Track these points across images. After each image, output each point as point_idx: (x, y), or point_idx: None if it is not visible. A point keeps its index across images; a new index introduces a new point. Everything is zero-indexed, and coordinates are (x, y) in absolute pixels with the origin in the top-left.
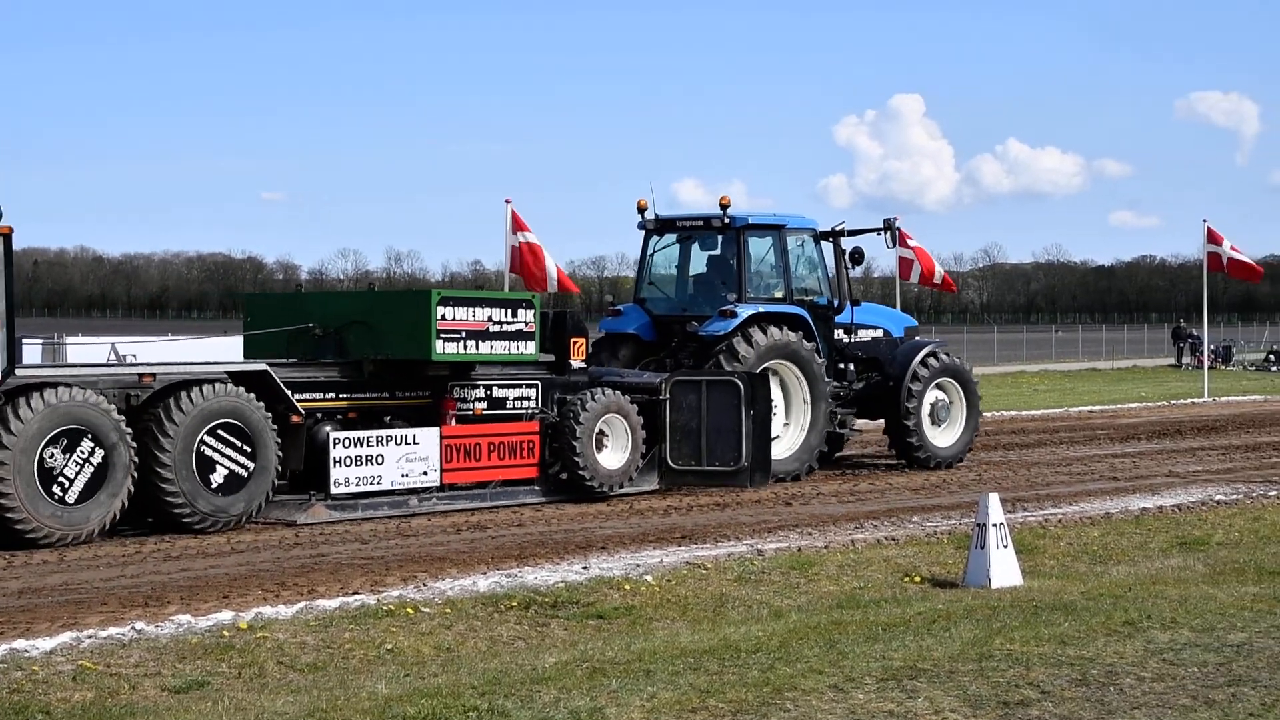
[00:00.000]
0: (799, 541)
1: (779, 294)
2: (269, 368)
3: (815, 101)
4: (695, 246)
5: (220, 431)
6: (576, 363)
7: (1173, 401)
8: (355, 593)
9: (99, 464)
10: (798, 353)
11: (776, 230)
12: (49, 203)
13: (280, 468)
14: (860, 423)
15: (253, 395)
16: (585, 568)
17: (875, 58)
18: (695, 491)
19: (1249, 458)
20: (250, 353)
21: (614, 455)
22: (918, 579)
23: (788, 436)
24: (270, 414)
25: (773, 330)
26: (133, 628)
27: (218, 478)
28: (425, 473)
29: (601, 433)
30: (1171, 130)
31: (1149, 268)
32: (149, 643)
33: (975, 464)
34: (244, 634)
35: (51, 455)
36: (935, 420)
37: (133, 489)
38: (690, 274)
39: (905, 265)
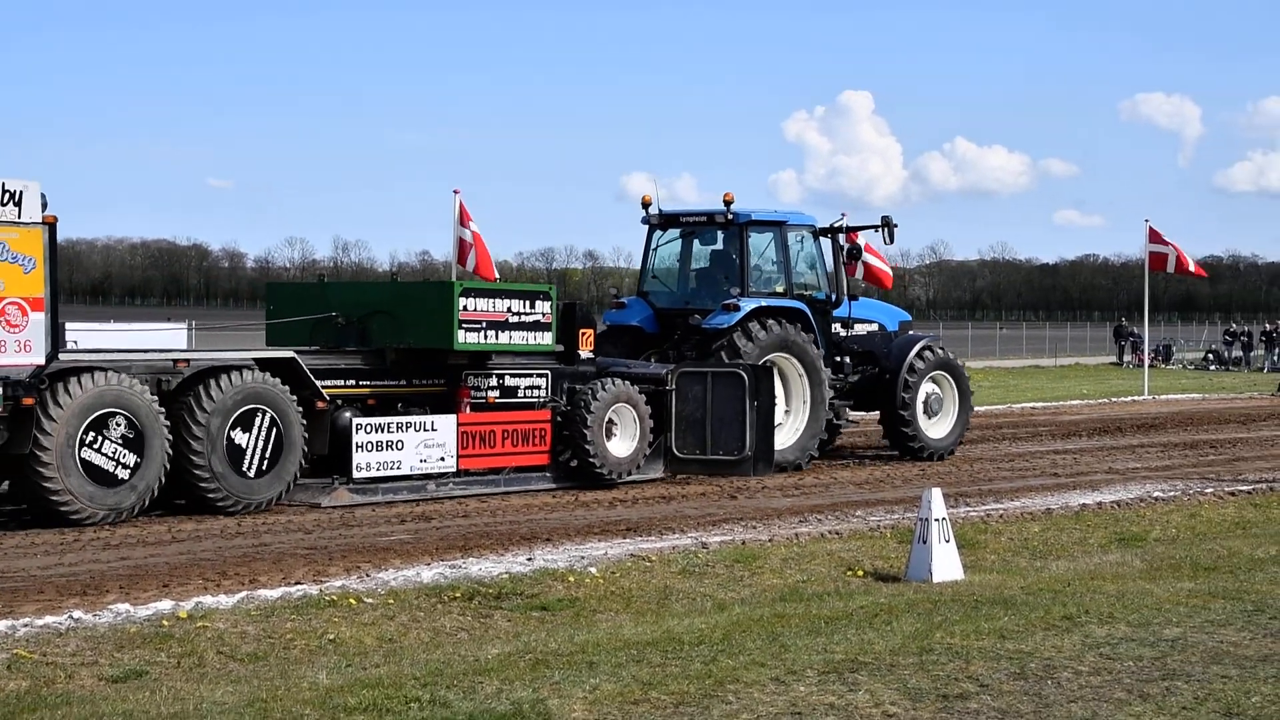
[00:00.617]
0: (743, 535)
1: (780, 289)
2: (296, 355)
3: (765, 97)
4: (697, 241)
5: (249, 416)
6: (584, 353)
7: (1114, 399)
8: (297, 582)
9: (136, 446)
10: (798, 346)
11: (778, 226)
12: None
13: (306, 452)
14: (852, 415)
15: (279, 381)
16: (530, 559)
17: (825, 54)
18: (640, 484)
19: (1187, 455)
20: (272, 340)
21: (623, 443)
22: (860, 573)
23: (788, 427)
24: (297, 400)
25: (774, 324)
26: (70, 616)
27: (247, 461)
28: (442, 458)
29: (611, 421)
30: (1116, 131)
31: (1092, 266)
32: (86, 632)
33: (919, 459)
34: (184, 623)
35: (91, 437)
36: (929, 412)
37: (167, 470)
38: (692, 268)
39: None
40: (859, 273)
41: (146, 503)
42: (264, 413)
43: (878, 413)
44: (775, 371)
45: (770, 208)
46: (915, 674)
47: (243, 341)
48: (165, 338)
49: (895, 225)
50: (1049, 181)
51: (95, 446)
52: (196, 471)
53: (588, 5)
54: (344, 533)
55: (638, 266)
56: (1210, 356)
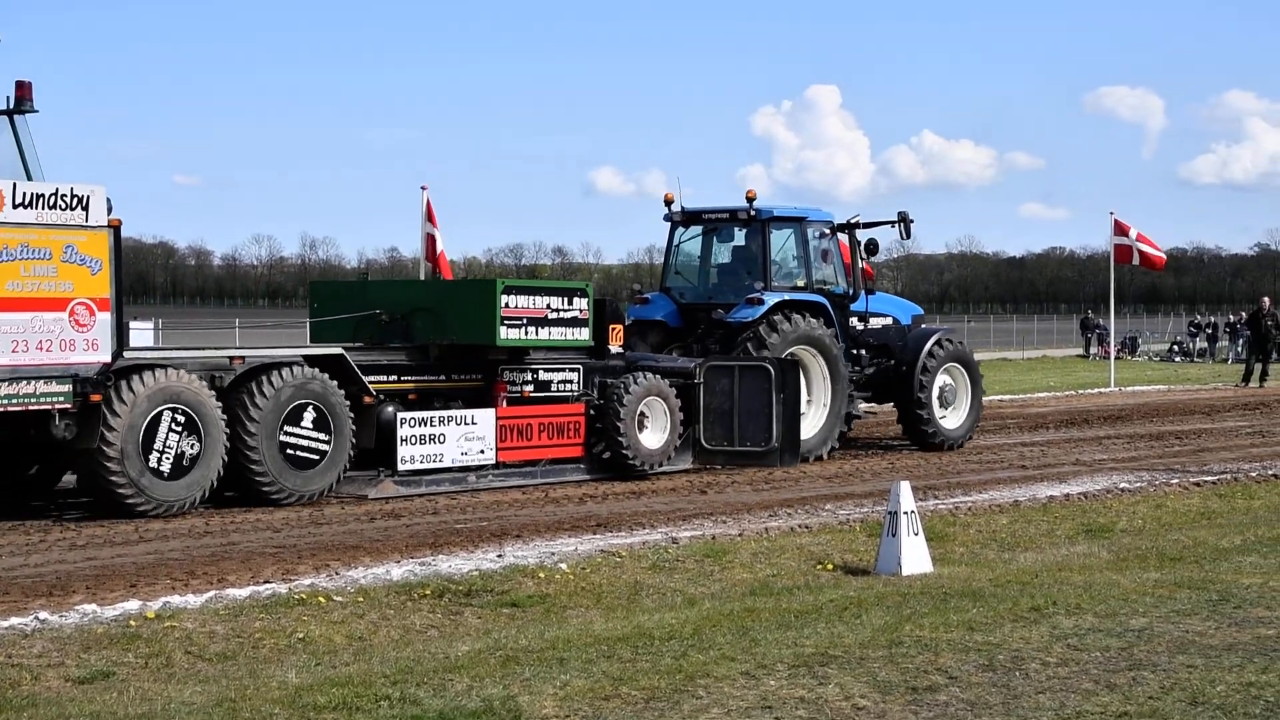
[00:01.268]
0: (713, 529)
1: (800, 283)
2: (344, 352)
3: (732, 91)
4: (717, 238)
5: (301, 411)
6: (614, 348)
7: (1080, 391)
8: (266, 581)
9: (195, 440)
10: (820, 339)
11: (798, 223)
12: None
13: (354, 445)
14: (862, 406)
15: (328, 377)
16: (500, 556)
17: (792, 49)
18: (611, 479)
19: (1153, 446)
20: (316, 338)
21: (654, 435)
22: (830, 566)
23: (810, 418)
24: (345, 395)
25: (796, 317)
26: (36, 617)
27: (299, 454)
28: (482, 451)
29: (643, 414)
30: (1080, 124)
31: (1058, 259)
32: (53, 633)
33: (888, 452)
34: (151, 623)
35: (154, 432)
36: (943, 403)
37: (225, 464)
38: (714, 264)
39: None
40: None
41: (206, 494)
42: (314, 407)
43: (891, 404)
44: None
45: (791, 204)
46: (885, 666)
47: (215, 340)
48: (132, 338)
49: (912, 221)
50: (1015, 175)
51: (158, 441)
52: (252, 465)
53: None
54: (313, 531)
55: (606, 262)
56: (1175, 348)
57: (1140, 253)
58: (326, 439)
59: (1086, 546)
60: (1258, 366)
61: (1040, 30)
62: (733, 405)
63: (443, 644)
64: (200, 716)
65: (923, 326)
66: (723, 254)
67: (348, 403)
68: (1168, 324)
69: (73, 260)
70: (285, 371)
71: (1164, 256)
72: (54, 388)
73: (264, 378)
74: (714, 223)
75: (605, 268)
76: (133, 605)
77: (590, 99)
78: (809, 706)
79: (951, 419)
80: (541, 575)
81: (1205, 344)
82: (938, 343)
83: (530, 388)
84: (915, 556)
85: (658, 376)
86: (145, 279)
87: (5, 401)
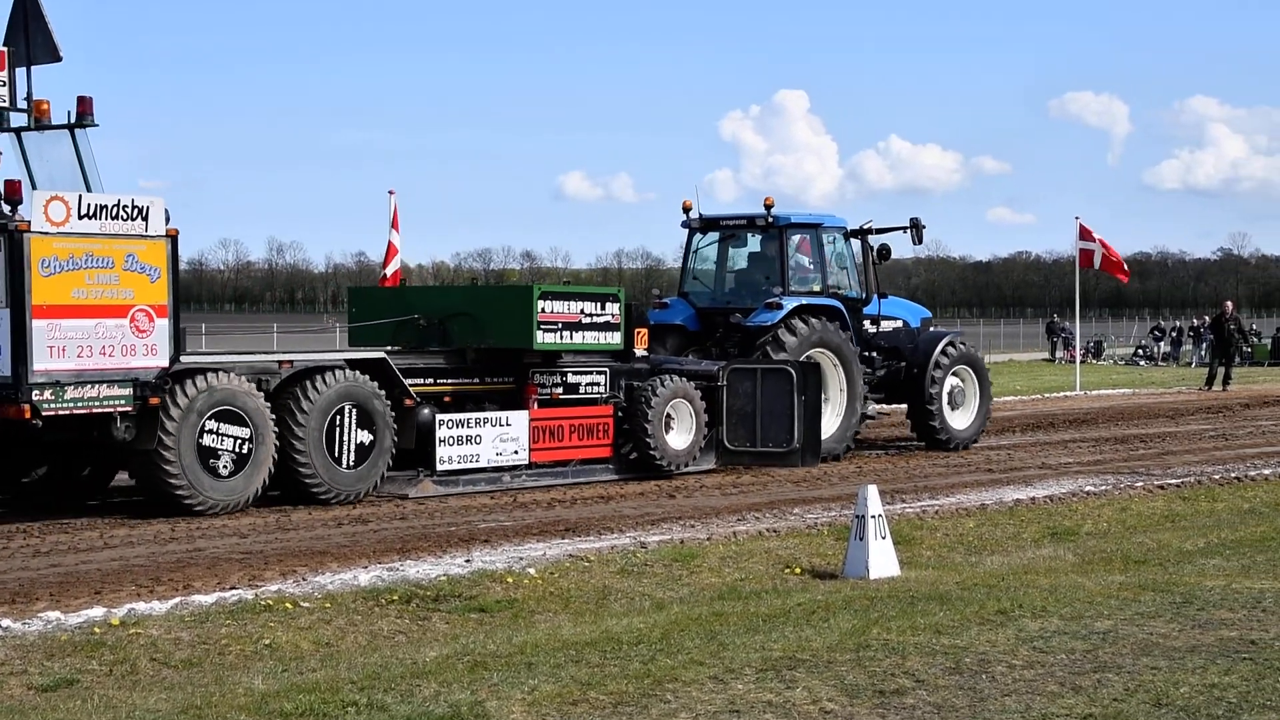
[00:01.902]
0: (681, 534)
1: (816, 288)
2: (386, 356)
3: (701, 96)
4: (734, 244)
5: (345, 413)
6: (639, 351)
7: (1046, 395)
8: (232, 587)
9: (247, 441)
10: (836, 342)
11: (814, 229)
12: None
13: (394, 446)
14: (875, 407)
15: (369, 379)
16: (468, 561)
17: (760, 53)
18: (578, 485)
19: (1118, 450)
20: (355, 342)
21: (680, 437)
22: (798, 570)
23: (827, 418)
24: (386, 397)
25: (813, 321)
26: None
27: (343, 455)
28: (516, 452)
29: (669, 416)
30: (1046, 129)
31: (1025, 263)
32: (15, 640)
33: (856, 456)
34: (116, 630)
35: (209, 432)
36: (953, 405)
37: (275, 464)
38: (732, 269)
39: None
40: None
41: (257, 493)
42: (358, 409)
43: (895, 405)
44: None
45: (807, 211)
46: (852, 670)
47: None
48: None
49: (924, 226)
50: (981, 179)
51: (212, 441)
52: (299, 465)
53: (522, 4)
54: (280, 537)
55: (574, 266)
56: (1140, 352)
57: (1104, 258)
58: (370, 440)
59: (1052, 549)
60: (1221, 370)
61: (1007, 36)
62: (755, 407)
63: (410, 649)
64: None
65: (932, 329)
66: (740, 260)
67: (389, 405)
68: (1132, 328)
69: (133, 269)
70: (330, 375)
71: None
72: (116, 391)
73: (310, 381)
74: (732, 229)
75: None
76: (97, 612)
77: (558, 103)
78: (776, 710)
79: (961, 419)
80: (509, 580)
81: (1169, 348)
82: (948, 345)
83: (560, 390)
84: (883, 560)
85: (683, 379)
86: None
87: (71, 404)
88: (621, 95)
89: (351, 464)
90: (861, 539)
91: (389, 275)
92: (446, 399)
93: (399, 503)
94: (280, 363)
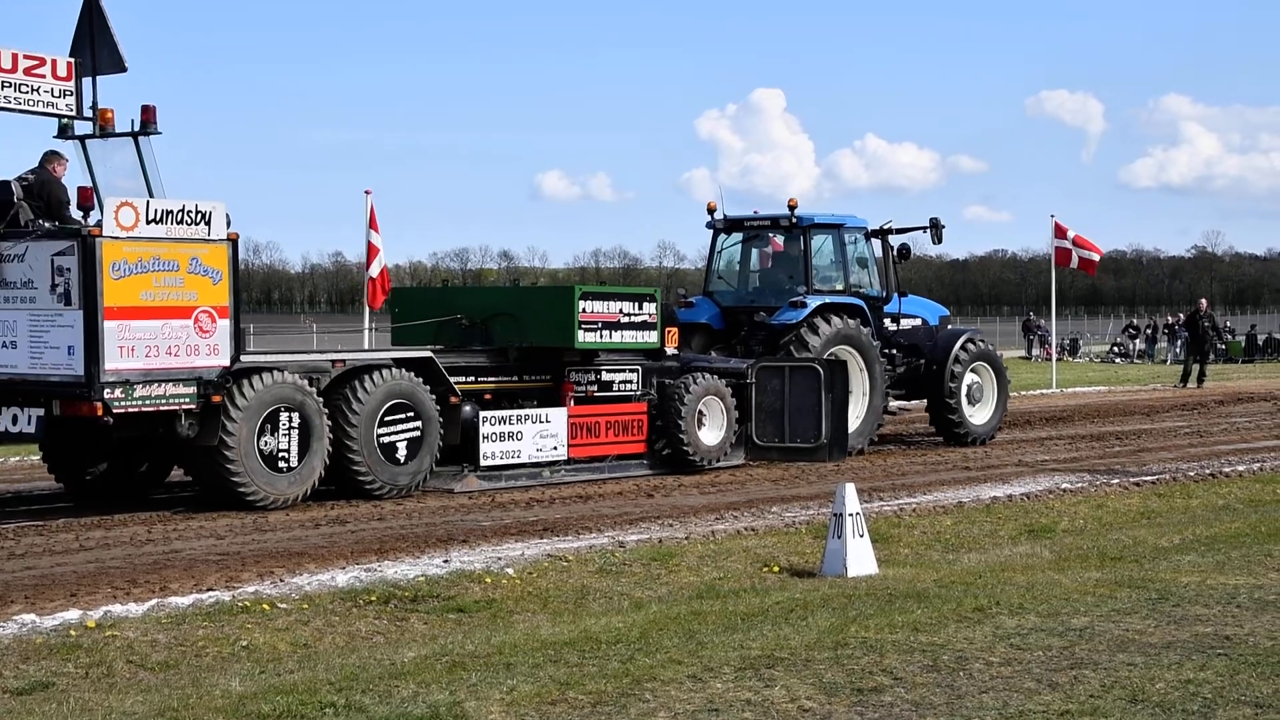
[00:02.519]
0: (660, 533)
1: (839, 287)
2: (433, 355)
3: (677, 95)
4: (758, 244)
5: (395, 410)
6: (669, 349)
7: (1023, 392)
8: (209, 589)
9: (303, 437)
10: (858, 339)
11: (837, 229)
12: None
13: (441, 442)
14: (895, 403)
15: (418, 378)
16: (446, 561)
17: (736, 52)
18: (559, 486)
19: (1093, 447)
20: (398, 341)
21: (712, 433)
22: (776, 569)
23: (851, 414)
24: (433, 395)
25: (835, 319)
26: None
27: (393, 450)
28: (555, 447)
29: (701, 413)
30: (1022, 127)
31: (1001, 261)
32: None
33: (872, 452)
34: (92, 633)
35: (267, 429)
36: (971, 400)
37: (329, 459)
38: (755, 269)
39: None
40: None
41: (313, 487)
42: (406, 407)
43: (912, 401)
44: (849, 364)
45: (830, 211)
46: (830, 668)
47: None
48: None
49: (943, 226)
50: (958, 178)
51: (270, 437)
52: (352, 460)
53: (498, 4)
54: (257, 538)
55: (552, 266)
56: (1115, 349)
57: (1079, 257)
58: (418, 436)
59: (1029, 547)
60: (1195, 367)
61: (982, 34)
62: (783, 404)
63: (388, 650)
64: None
65: (950, 327)
66: (772, 256)
67: (436, 402)
68: (1108, 325)
69: (197, 271)
70: (380, 373)
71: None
72: (181, 389)
73: (361, 379)
74: (755, 230)
75: (551, 271)
76: (73, 615)
77: (536, 103)
78: (755, 709)
79: (979, 415)
80: (488, 580)
81: (1144, 345)
82: (966, 342)
83: (594, 387)
84: (860, 558)
85: (714, 377)
86: None
87: (140, 402)
88: (599, 95)
89: (401, 459)
90: (839, 537)
91: (375, 275)
92: (487, 396)
93: (376, 504)
94: (333, 362)
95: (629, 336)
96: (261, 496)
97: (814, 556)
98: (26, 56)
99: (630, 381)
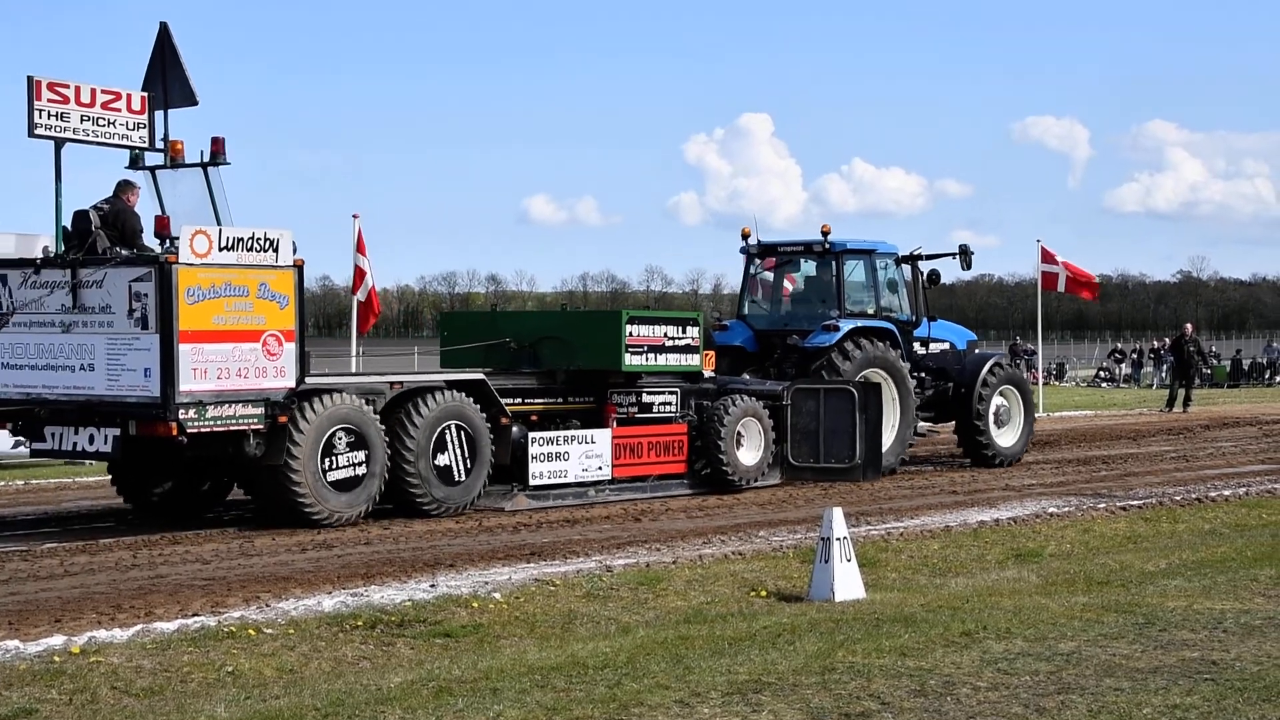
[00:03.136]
0: (647, 557)
1: (870, 310)
2: (485, 377)
3: (665, 118)
4: (790, 269)
5: (450, 431)
6: (707, 372)
7: None
8: (195, 614)
9: (363, 457)
10: (890, 362)
11: (868, 255)
12: None
13: (493, 461)
14: (924, 425)
15: (471, 400)
16: (433, 585)
17: (724, 77)
18: (545, 510)
19: (1080, 471)
20: (445, 365)
21: (750, 453)
22: (764, 593)
23: (884, 436)
24: (485, 416)
25: (867, 343)
26: None
27: (448, 470)
28: (600, 468)
29: (739, 434)
30: (1008, 153)
31: (988, 286)
32: None
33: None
34: (76, 659)
35: (329, 449)
36: (999, 423)
37: (387, 478)
38: (789, 293)
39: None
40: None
41: (371, 505)
42: (460, 427)
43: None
44: (883, 387)
45: (861, 237)
46: (818, 693)
47: None
48: None
49: (972, 253)
50: (945, 202)
51: (333, 457)
52: (408, 479)
53: (484, 25)
54: (243, 562)
55: (540, 289)
56: (1102, 374)
57: (1068, 279)
58: (470, 456)
59: (1016, 571)
60: (1181, 392)
61: (968, 60)
62: (818, 425)
63: (375, 675)
64: None
65: (977, 351)
66: (796, 284)
67: (489, 423)
68: (1094, 350)
69: (265, 296)
70: (435, 395)
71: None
72: (250, 410)
73: (417, 400)
74: (788, 255)
75: (539, 295)
76: (57, 640)
77: (523, 127)
78: None
79: (1007, 437)
80: (475, 605)
81: (1130, 370)
82: (994, 366)
83: (635, 409)
84: (848, 582)
85: (752, 398)
86: None
87: (212, 422)
88: (586, 119)
89: (455, 479)
90: (826, 561)
91: (363, 300)
92: (534, 417)
93: (364, 527)
94: (391, 384)
95: (673, 359)
96: (322, 513)
97: (801, 581)
98: (104, 91)
99: (669, 403)
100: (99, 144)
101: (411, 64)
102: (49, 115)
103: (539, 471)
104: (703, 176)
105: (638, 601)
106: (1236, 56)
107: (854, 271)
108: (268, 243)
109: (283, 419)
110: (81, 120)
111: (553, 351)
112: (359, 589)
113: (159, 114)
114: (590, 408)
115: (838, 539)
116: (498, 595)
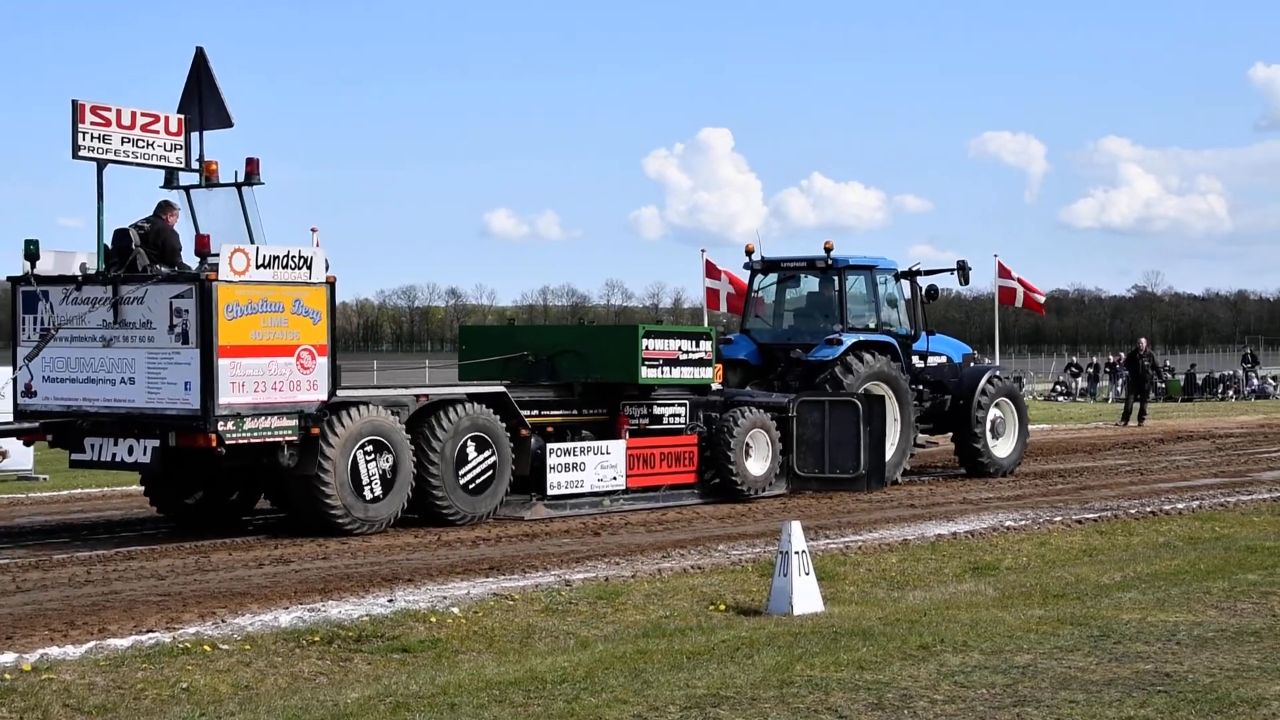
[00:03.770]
0: (606, 571)
1: (870, 325)
2: (506, 390)
3: (626, 133)
4: (793, 284)
5: (472, 442)
6: (715, 384)
7: None
8: (149, 630)
9: (391, 467)
10: (891, 376)
11: (869, 270)
12: None
13: (513, 472)
14: (923, 437)
15: (492, 412)
16: (390, 600)
17: (683, 92)
18: (504, 522)
19: (1037, 485)
20: (464, 378)
21: (758, 464)
22: (723, 607)
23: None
24: (505, 428)
25: (868, 356)
26: None
27: (470, 480)
28: (615, 478)
29: (748, 445)
30: (965, 168)
31: (945, 300)
32: None
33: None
34: (27, 676)
35: (359, 459)
36: (995, 434)
37: (413, 488)
38: (792, 307)
39: (712, 295)
40: (722, 304)
41: (398, 515)
42: (482, 439)
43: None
44: (885, 399)
45: (862, 253)
46: (776, 707)
47: None
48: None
49: (970, 269)
50: (903, 217)
51: (363, 468)
52: (433, 489)
53: (445, 39)
54: (199, 578)
55: (500, 304)
56: (1058, 388)
57: (1025, 295)
58: (492, 466)
59: (973, 584)
60: (1136, 406)
61: (925, 75)
62: (823, 436)
63: (332, 691)
64: None
65: (973, 365)
66: (798, 299)
67: (509, 434)
68: (1050, 364)
69: (299, 312)
70: (458, 408)
71: (1042, 302)
72: (284, 422)
73: (441, 412)
74: (791, 270)
75: (499, 309)
76: (8, 658)
77: (484, 141)
78: None
79: (1002, 448)
80: (433, 620)
81: (1086, 384)
82: (990, 379)
83: (646, 421)
84: (806, 596)
85: (759, 410)
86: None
87: (249, 434)
88: (547, 133)
89: (477, 489)
90: (785, 575)
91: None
92: (549, 429)
93: (321, 542)
94: (417, 396)
95: (687, 373)
96: (352, 522)
97: (760, 594)
98: (143, 114)
99: (679, 415)
100: (138, 164)
101: (371, 78)
102: (91, 137)
103: (557, 482)
104: (663, 191)
105: (596, 616)
106: (1190, 74)
107: (855, 286)
108: (302, 260)
109: (315, 430)
110: (122, 142)
111: (570, 364)
112: (316, 604)
113: (194, 135)
114: (603, 419)
115: (796, 552)
116: (456, 610)
